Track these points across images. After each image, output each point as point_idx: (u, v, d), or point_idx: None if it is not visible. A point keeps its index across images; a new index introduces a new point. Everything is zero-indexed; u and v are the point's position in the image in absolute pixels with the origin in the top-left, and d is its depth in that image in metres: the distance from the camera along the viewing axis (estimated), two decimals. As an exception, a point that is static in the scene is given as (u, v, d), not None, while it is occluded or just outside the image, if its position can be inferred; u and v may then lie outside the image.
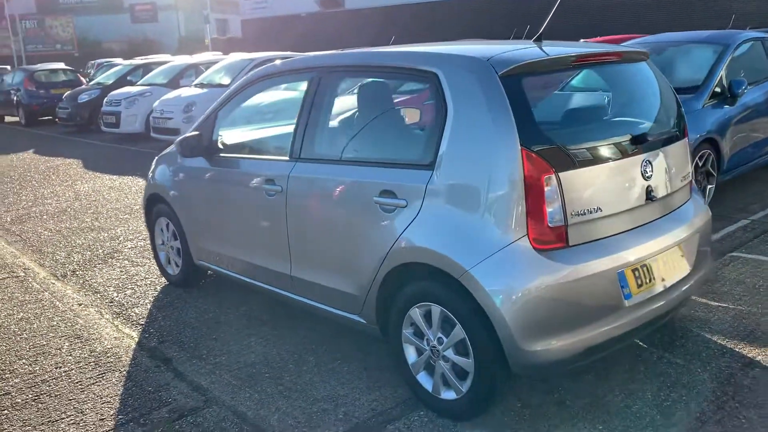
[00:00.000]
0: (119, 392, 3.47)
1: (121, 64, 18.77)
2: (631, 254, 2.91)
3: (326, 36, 32.50)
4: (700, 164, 6.09)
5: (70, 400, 3.41)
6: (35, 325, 4.38)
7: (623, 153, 2.96)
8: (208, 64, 13.84)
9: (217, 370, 3.67)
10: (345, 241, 3.34)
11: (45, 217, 7.49)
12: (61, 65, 21.80)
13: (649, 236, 3.04)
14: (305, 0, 37.17)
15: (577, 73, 3.16)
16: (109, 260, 5.73)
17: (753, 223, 5.80)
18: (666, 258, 3.11)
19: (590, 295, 2.77)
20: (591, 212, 2.82)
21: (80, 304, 4.74)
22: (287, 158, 3.64)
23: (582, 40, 14.79)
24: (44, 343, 4.10)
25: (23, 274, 5.45)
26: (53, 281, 5.27)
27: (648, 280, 2.99)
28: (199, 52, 27.75)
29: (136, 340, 4.12)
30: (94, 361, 3.83)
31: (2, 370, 3.76)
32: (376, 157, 3.26)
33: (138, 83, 14.81)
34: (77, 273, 5.44)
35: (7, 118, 19.63)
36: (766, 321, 3.89)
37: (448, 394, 3.01)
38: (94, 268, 5.52)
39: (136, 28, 57.67)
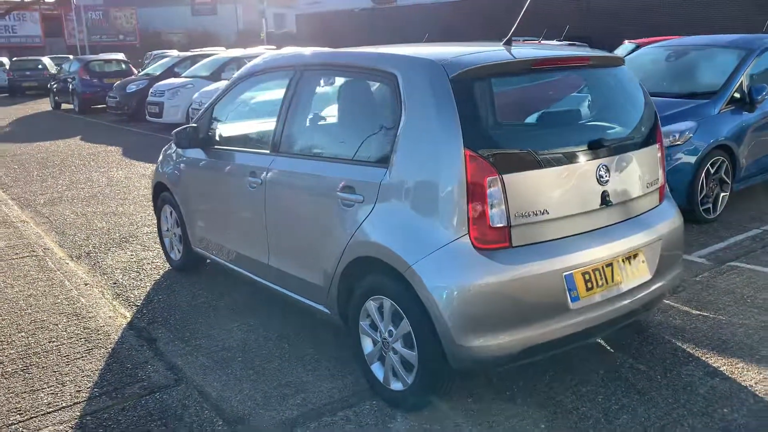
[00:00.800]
0: (100, 367, 3.69)
1: (170, 55, 19.35)
2: (579, 257, 2.94)
3: (378, 31, 32.66)
4: (712, 171, 5.98)
5: (55, 372, 3.65)
6: (41, 302, 4.67)
7: (576, 158, 2.98)
8: (250, 58, 14.15)
9: (195, 352, 3.86)
10: (312, 233, 3.47)
11: (75, 201, 7.87)
12: (117, 56, 22.60)
13: (603, 240, 3.06)
14: (360, -5, 37.47)
15: (542, 77, 3.19)
16: (123, 244, 6.02)
17: (764, 233, 5.66)
18: (623, 263, 3.12)
19: (531, 295, 2.82)
20: (537, 214, 2.86)
21: (86, 284, 5.01)
22: (268, 152, 3.80)
23: (626, 41, 14.48)
24: (44, 318, 4.37)
25: (42, 254, 5.78)
26: (67, 261, 5.57)
27: (599, 284, 3.01)
28: (254, 46, 28.30)
29: (129, 320, 4.35)
30: (85, 338, 4.07)
31: (1, 341, 4.04)
32: (340, 153, 3.39)
33: (182, 75, 15.27)
34: (91, 255, 5.73)
35: (64, 106, 20.50)
36: (742, 331, 3.84)
37: (397, 385, 3.11)
38: (108, 251, 5.81)
39: (196, 21, 59.10)
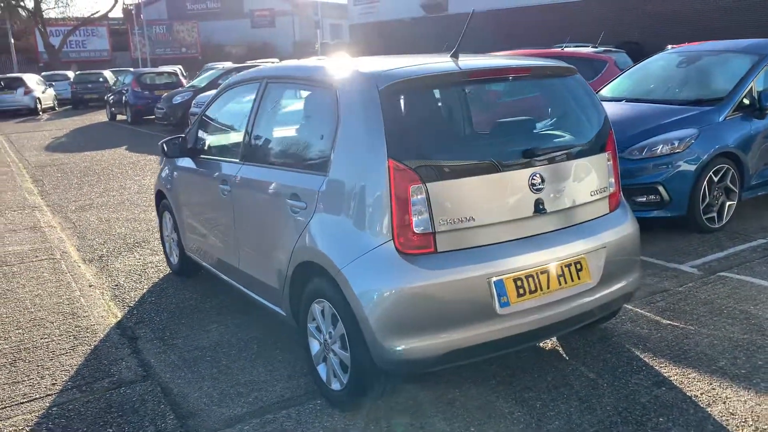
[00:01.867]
0: (80, 363, 3.94)
1: (216, 68, 19.99)
2: (509, 263, 2.99)
3: (429, 40, 32.78)
4: (716, 179, 5.85)
5: (38, 366, 3.92)
6: (45, 301, 4.98)
7: (505, 166, 3.04)
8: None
9: (170, 350, 4.07)
10: (269, 238, 3.63)
11: (104, 207, 8.29)
12: (168, 68, 23.48)
13: (537, 247, 3.10)
14: (411, 4, 37.69)
15: (478, 88, 3.26)
16: (135, 249, 6.33)
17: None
18: (561, 270, 3.15)
19: (455, 300, 2.89)
20: (462, 221, 2.93)
21: (90, 286, 5.32)
22: (237, 161, 3.99)
23: (670, 47, 14.16)
24: (43, 317, 4.68)
25: (59, 257, 6.14)
26: (80, 264, 5.91)
27: (532, 290, 3.05)
28: (308, 57, 28.94)
29: (118, 319, 4.60)
30: (74, 335, 4.34)
31: (-1, 337, 4.36)
32: (290, 161, 3.55)
33: (224, 86, 15.80)
34: (102, 258, 6.06)
35: (119, 117, 21.43)
36: (707, 342, 3.79)
37: (336, 386, 3.23)
38: (119, 255, 6.13)
39: (255, 33, 60.68)
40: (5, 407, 3.46)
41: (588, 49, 13.10)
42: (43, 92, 26.49)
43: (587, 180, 3.33)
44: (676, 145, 5.74)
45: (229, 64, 24.86)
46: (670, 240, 5.71)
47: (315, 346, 3.38)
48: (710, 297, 4.43)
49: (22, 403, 3.50)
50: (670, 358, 3.62)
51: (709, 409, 3.11)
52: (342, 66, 3.36)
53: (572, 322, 3.28)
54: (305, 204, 3.25)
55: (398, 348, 2.86)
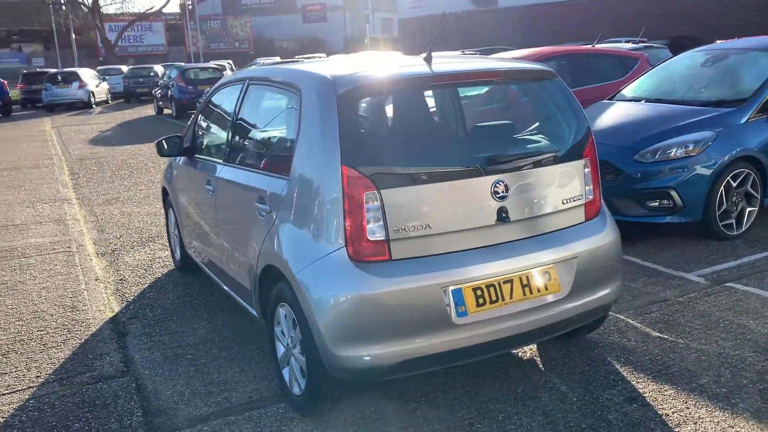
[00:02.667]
0: (67, 356, 4.05)
1: (255, 64, 20.24)
2: (467, 272, 2.92)
3: (479, 34, 32.45)
4: (734, 184, 5.59)
5: (29, 358, 4.05)
6: (50, 294, 5.14)
7: (466, 174, 2.96)
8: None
9: (155, 347, 4.14)
10: (242, 239, 3.65)
11: (128, 201, 8.51)
12: (212, 64, 23.96)
13: (500, 256, 3.02)
14: (461, -2, 37.35)
15: (444, 93, 3.18)
16: (147, 243, 6.47)
17: (787, 253, 5.25)
18: (527, 280, 3.06)
19: (408, 309, 2.84)
20: (418, 229, 2.88)
21: (96, 279, 5.46)
22: (221, 161, 4.02)
23: (719, 42, 13.61)
24: (45, 309, 4.83)
25: (75, 250, 6.33)
26: (92, 258, 6.08)
27: (493, 300, 2.97)
28: (358, 51, 28.99)
29: (114, 314, 4.71)
30: (68, 329, 4.46)
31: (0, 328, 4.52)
32: (259, 164, 3.55)
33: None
34: (114, 252, 6.22)
35: (165, 111, 21.97)
36: (694, 357, 3.63)
37: (296, 390, 3.22)
38: (131, 250, 6.27)
39: (306, 28, 61.24)
40: None
41: (626, 45, 12.73)
42: (96, 86, 27.36)
43: (559, 188, 3.22)
44: (691, 148, 5.51)
45: (276, 59, 25.17)
46: (683, 247, 5.49)
47: (280, 350, 3.38)
48: (709, 309, 4.24)
49: (3, 394, 3.62)
50: (650, 373, 3.49)
51: (676, 430, 2.98)
52: (311, 68, 3.34)
53: (541, 332, 3.19)
54: (269, 207, 3.25)
55: (349, 356, 2.83)
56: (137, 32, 54.93)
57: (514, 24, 32.85)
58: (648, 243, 5.64)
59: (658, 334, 3.92)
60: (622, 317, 4.18)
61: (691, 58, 6.97)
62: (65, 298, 5.05)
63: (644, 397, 3.26)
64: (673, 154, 5.53)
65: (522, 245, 3.10)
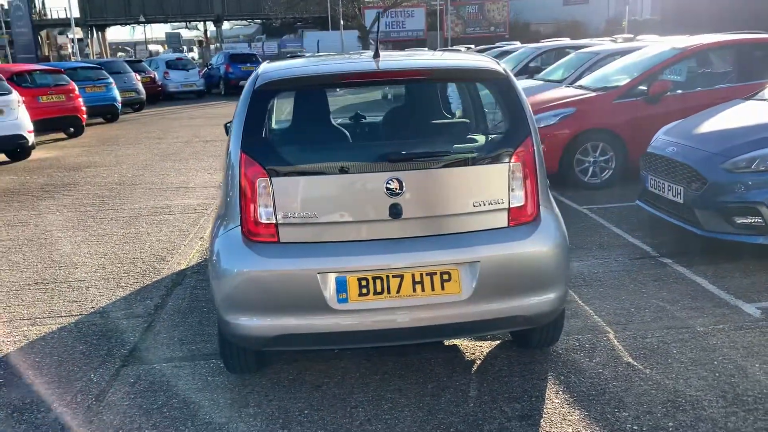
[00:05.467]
0: (125, 295, 4.93)
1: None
2: (349, 261, 3.04)
3: (742, 17, 28.82)
4: None
5: (99, 293, 5.00)
6: (157, 245, 6.16)
7: (357, 168, 3.06)
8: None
9: (189, 298, 4.82)
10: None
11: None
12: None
13: (390, 251, 3.08)
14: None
15: (362, 89, 3.26)
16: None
17: None
18: (420, 277, 3.09)
19: (287, 288, 3.06)
20: (305, 217, 3.08)
21: (201, 238, 6.39)
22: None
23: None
24: (143, 256, 5.82)
25: (209, 213, 7.39)
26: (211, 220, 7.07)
27: (377, 291, 3.06)
28: (615, 35, 27.30)
29: (183, 267, 5.54)
30: (144, 274, 5.37)
31: (83, 264, 5.60)
32: None
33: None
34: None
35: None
36: (640, 390, 3.28)
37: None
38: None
39: (566, 11, 59.37)
40: (13, 320, 4.54)
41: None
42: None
43: (470, 190, 3.14)
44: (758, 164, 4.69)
45: (517, 44, 24.52)
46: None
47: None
48: (724, 344, 3.71)
49: (47, 317, 4.53)
50: (575, 395, 3.25)
51: (537, 454, 2.82)
52: (273, 62, 3.67)
53: (435, 331, 3.19)
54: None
55: (235, 323, 3.16)
56: (399, 18, 58.12)
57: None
58: (726, 264, 4.95)
59: (630, 360, 3.58)
60: (611, 336, 3.86)
61: None
62: (164, 250, 6.03)
63: (540, 417, 3.08)
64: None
65: (418, 243, 3.13)
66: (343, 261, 3.06)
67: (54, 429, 3.18)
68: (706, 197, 4.96)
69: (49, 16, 60.72)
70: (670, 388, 3.29)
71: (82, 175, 10.02)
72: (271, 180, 3.09)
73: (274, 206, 3.10)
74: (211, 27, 63.19)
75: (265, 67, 3.49)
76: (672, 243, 5.52)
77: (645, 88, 7.50)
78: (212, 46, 59.81)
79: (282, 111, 3.28)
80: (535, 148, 3.25)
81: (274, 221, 3.11)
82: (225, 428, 3.13)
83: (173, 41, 66.19)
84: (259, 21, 66.52)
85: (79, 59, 35.63)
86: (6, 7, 52.47)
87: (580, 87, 8.38)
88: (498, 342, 3.84)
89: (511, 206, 3.21)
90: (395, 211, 3.09)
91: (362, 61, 3.33)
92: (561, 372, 3.49)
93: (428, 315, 3.11)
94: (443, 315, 3.12)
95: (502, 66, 3.41)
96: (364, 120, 3.48)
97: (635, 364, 3.54)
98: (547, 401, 3.21)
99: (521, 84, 10.69)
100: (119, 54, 73.41)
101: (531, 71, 12.21)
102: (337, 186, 3.10)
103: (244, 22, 71.65)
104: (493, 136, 3.23)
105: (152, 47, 73.80)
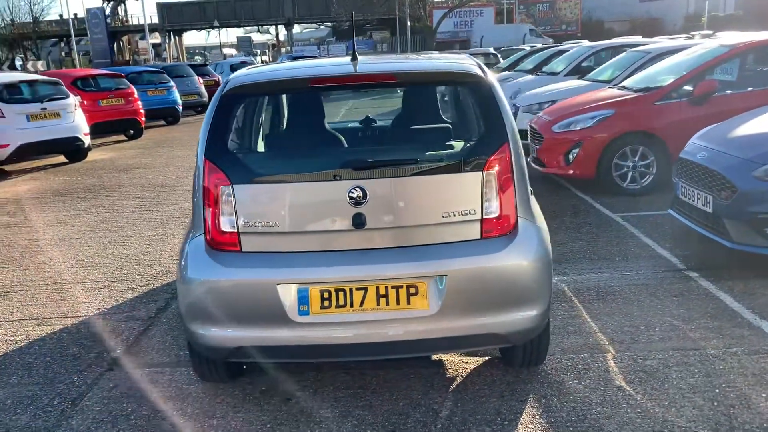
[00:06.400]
0: (131, 297, 4.99)
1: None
2: (307, 273, 2.93)
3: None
4: None
5: (108, 295, 5.09)
6: (177, 248, 6.23)
7: (319, 176, 2.95)
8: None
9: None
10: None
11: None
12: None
13: (353, 262, 2.95)
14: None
15: (330, 94, 3.13)
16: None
17: None
18: (385, 290, 2.95)
19: (246, 300, 2.98)
20: (266, 226, 2.99)
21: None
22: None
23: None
24: (161, 259, 5.90)
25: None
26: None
27: (340, 305, 2.94)
28: (692, 32, 26.05)
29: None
30: (156, 277, 5.43)
31: (103, 264, 5.70)
32: None
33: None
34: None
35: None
36: (625, 417, 3.03)
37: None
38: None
39: (642, 7, 57.33)
40: (50, 318, 4.66)
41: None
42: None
43: (438, 199, 2.97)
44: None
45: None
46: (806, 291, 4.33)
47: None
48: (731, 369, 3.39)
49: (52, 318, 4.64)
50: (553, 420, 3.03)
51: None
52: (247, 67, 3.60)
53: (403, 347, 3.03)
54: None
55: (198, 332, 3.11)
56: (468, 18, 57.60)
57: None
58: (757, 280, 4.56)
59: (622, 384, 3.32)
60: (609, 356, 3.60)
61: None
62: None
63: (504, 441, 2.89)
64: (803, 173, 4.35)
65: (383, 254, 2.99)
66: (303, 272, 2.96)
67: (21, 433, 3.23)
68: (736, 206, 4.59)
69: (130, 23, 63.46)
70: (659, 417, 3.02)
71: (129, 177, 10.32)
72: (233, 188, 3.02)
73: (236, 214, 3.02)
74: (282, 30, 64.53)
75: (241, 71, 3.43)
76: (701, 255, 5.14)
77: (690, 88, 7.06)
78: (283, 49, 61.00)
79: (254, 117, 3.20)
80: (512, 156, 3.05)
81: (237, 230, 3.04)
82: (184, 440, 3.09)
83: (244, 45, 67.87)
84: (329, 24, 67.49)
85: (153, 63, 36.96)
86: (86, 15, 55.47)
87: (624, 88, 7.98)
88: (486, 358, 3.65)
89: (485, 217, 3.03)
90: (358, 221, 2.96)
91: (335, 64, 3.22)
92: (544, 394, 3.27)
93: (394, 330, 2.97)
94: (409, 330, 2.97)
95: (483, 70, 3.24)
96: (337, 127, 3.37)
97: (627, 388, 3.28)
98: (519, 426, 3.01)
99: (566, 84, 10.46)
100: (196, 58, 76.07)
101: (584, 71, 11.67)
102: (299, 194, 3.00)
103: (314, 25, 72.87)
104: (467, 143, 3.05)
105: (226, 51, 75.92)
